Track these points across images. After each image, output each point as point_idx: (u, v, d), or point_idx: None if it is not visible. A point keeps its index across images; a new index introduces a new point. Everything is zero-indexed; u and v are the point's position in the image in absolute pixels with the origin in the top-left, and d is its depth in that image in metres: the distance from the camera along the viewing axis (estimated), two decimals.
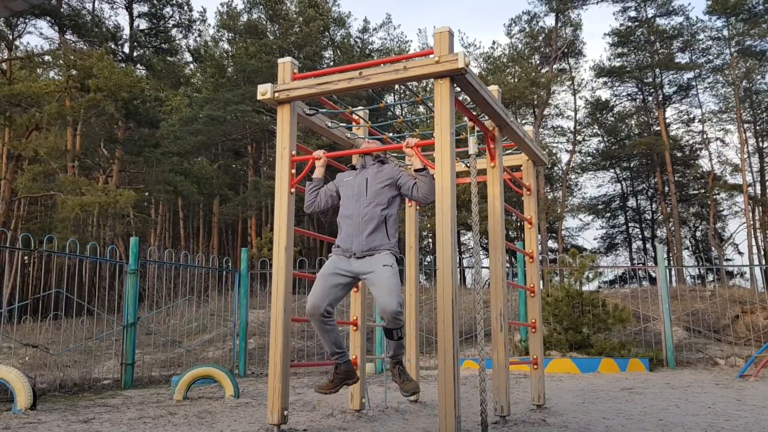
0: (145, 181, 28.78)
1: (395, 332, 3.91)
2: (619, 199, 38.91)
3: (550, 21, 34.21)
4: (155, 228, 32.17)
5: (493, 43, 57.02)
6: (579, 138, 35.55)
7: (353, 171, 4.31)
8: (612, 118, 36.16)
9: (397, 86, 21.85)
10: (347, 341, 5.11)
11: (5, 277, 22.00)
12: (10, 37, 27.27)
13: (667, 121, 34.30)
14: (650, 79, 34.37)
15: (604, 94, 46.80)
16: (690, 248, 37.90)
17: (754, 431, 4.29)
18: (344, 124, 5.51)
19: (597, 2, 33.56)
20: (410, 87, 6.07)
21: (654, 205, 37.99)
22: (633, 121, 36.28)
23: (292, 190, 4.53)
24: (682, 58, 33.44)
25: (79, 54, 25.21)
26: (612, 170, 37.83)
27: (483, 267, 8.08)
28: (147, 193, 29.95)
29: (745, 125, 31.64)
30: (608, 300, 11.09)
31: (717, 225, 33.57)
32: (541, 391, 5.47)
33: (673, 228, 32.79)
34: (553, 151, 33.26)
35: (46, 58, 28.48)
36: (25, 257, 26.73)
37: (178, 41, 35.86)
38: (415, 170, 4.05)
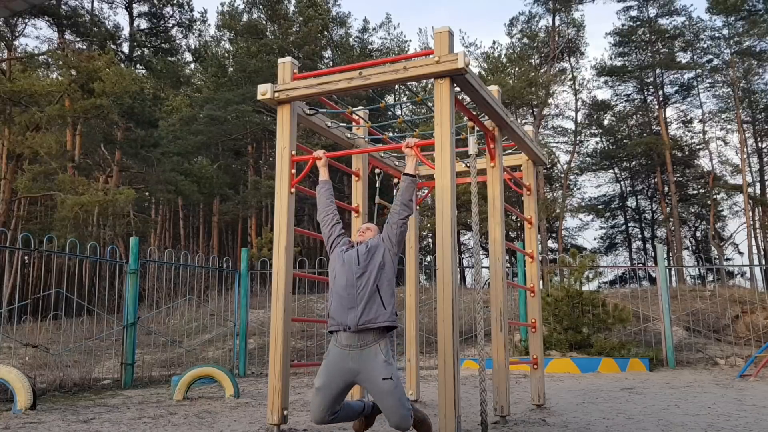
0: (146, 180, 28.76)
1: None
2: (619, 199, 38.87)
3: (549, 21, 34.21)
4: (155, 228, 32.12)
5: (494, 42, 57.04)
6: (579, 138, 35.52)
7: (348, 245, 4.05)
8: (612, 118, 36.12)
9: (397, 86, 21.86)
10: None
11: (5, 277, 22.00)
12: (10, 37, 27.24)
13: (668, 120, 34.28)
14: (651, 79, 34.34)
15: (605, 93, 46.80)
16: (690, 248, 37.88)
17: (754, 431, 4.29)
18: (344, 124, 5.51)
19: (594, 1, 33.49)
20: (410, 87, 6.06)
21: (654, 205, 37.96)
22: (633, 121, 36.23)
23: (292, 190, 4.53)
24: (683, 58, 33.38)
25: (78, 54, 25.16)
26: (612, 170, 37.80)
27: (483, 267, 8.07)
28: (147, 193, 29.91)
29: (745, 125, 31.61)
30: (608, 300, 11.10)
31: (717, 225, 33.55)
32: (541, 391, 5.47)
33: (673, 228, 32.76)
34: (553, 151, 33.21)
35: (45, 57, 28.42)
36: (25, 257, 26.70)
37: (178, 41, 35.85)
38: (404, 173, 3.93)
